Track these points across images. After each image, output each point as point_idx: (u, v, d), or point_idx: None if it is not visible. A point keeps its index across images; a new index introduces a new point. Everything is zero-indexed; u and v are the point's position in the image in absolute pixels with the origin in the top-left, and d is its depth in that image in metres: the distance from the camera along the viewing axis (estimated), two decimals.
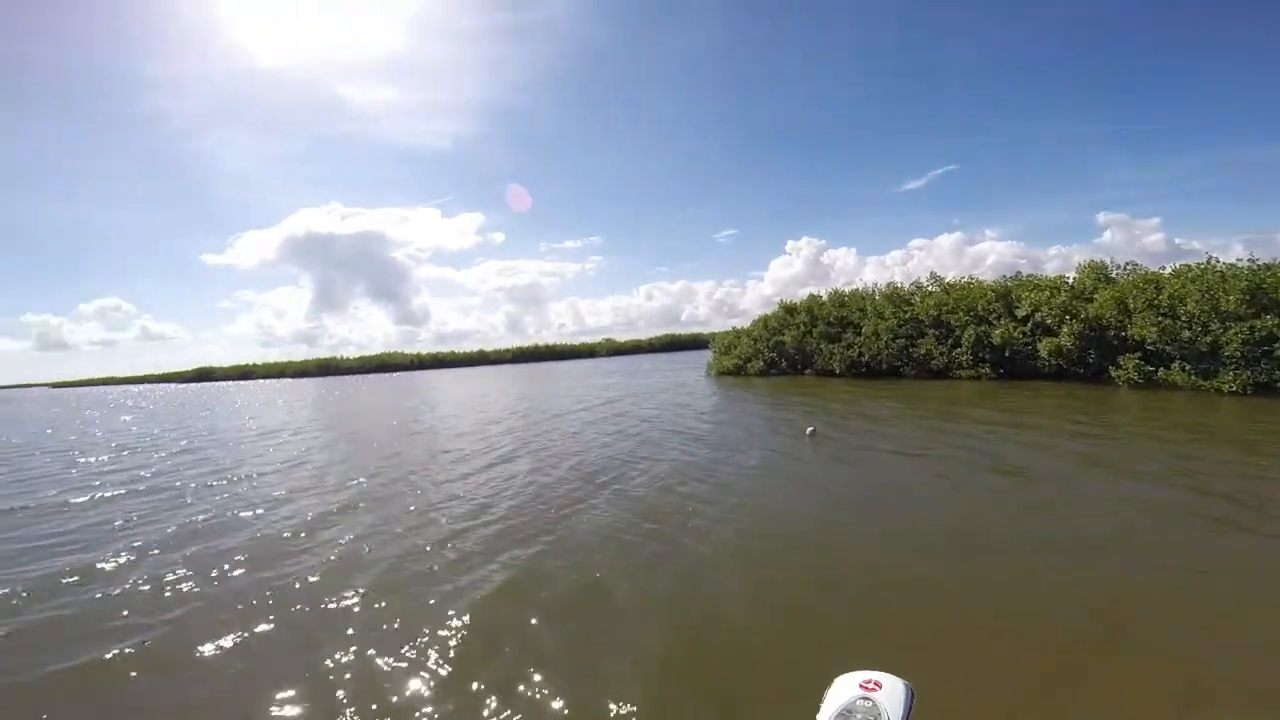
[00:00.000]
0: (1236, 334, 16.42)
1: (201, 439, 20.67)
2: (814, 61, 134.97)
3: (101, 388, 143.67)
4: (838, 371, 30.64)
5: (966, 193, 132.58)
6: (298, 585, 6.47)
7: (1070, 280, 24.11)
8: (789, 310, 36.81)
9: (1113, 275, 23.08)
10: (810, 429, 14.07)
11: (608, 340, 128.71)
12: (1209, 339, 17.31)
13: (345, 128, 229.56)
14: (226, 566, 7.18)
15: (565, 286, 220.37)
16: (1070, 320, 21.74)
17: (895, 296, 30.51)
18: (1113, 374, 20.19)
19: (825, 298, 35.70)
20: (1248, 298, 16.81)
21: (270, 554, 7.57)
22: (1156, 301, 19.26)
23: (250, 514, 9.67)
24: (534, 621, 5.36)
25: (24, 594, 6.65)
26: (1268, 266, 17.75)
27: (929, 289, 30.06)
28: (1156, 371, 19.06)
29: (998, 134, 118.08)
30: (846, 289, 35.36)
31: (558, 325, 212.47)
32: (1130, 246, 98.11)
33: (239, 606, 6.00)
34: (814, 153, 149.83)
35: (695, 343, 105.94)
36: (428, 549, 7.42)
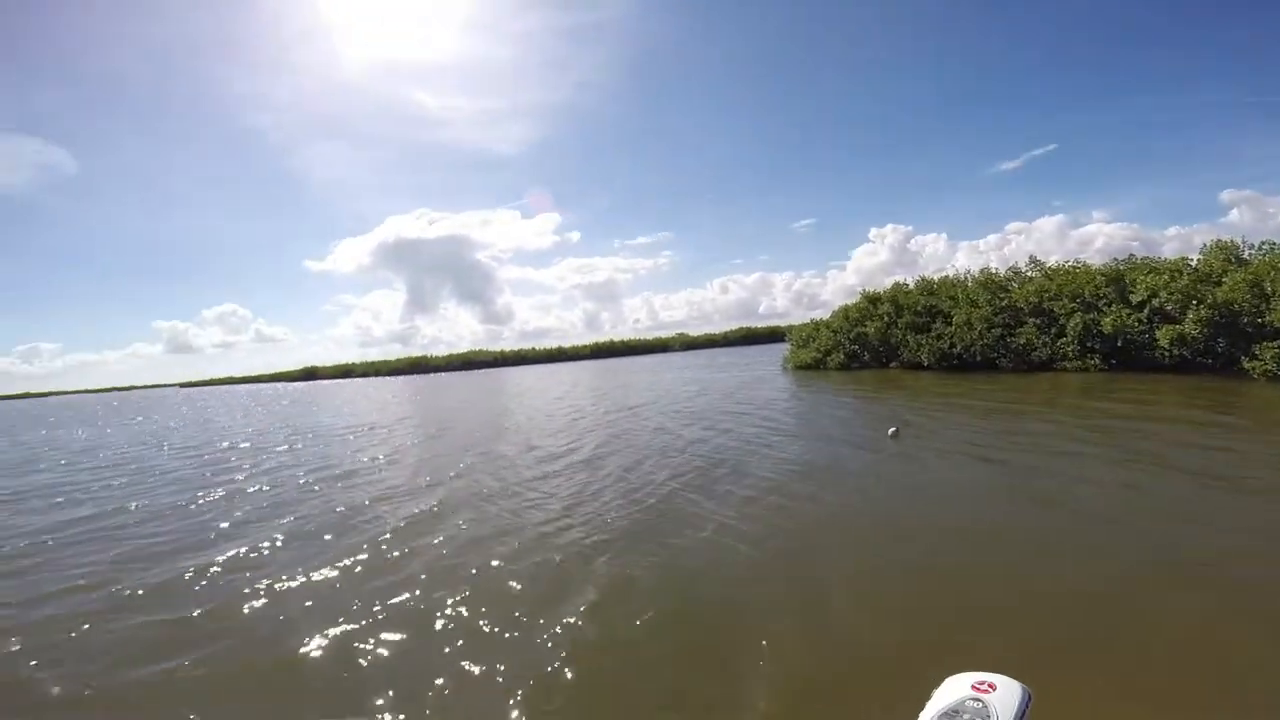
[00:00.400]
0: None
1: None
2: (893, 36, 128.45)
3: (223, 386, 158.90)
4: (926, 364, 29.31)
5: (1068, 173, 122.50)
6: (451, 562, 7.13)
7: (1194, 262, 21.90)
8: (872, 300, 35.51)
9: (1244, 256, 20.78)
10: (893, 429, 13.24)
11: (680, 335, 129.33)
12: None
13: (426, 135, 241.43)
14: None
15: (639, 282, 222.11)
16: (1196, 305, 19.78)
17: (990, 283, 28.77)
18: (1246, 365, 18.23)
19: (912, 286, 34.29)
20: None
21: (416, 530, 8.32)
22: None
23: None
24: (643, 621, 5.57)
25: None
26: None
27: (1028, 274, 28.17)
28: None
29: (1101, 110, 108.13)
30: (935, 276, 33.83)
31: (633, 321, 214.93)
32: (1262, 226, 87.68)
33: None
34: (896, 134, 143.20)
35: (771, 335, 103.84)
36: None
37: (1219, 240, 21.53)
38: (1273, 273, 17.97)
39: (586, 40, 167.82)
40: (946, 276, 32.84)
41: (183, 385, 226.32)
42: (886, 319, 33.15)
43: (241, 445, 20.95)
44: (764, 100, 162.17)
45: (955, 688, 1.46)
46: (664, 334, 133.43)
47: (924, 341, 29.62)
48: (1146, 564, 5.93)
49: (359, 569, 7.45)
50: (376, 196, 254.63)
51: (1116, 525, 7.02)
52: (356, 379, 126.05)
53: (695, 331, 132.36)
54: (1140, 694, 3.99)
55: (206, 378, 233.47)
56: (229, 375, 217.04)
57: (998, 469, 10.03)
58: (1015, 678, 1.44)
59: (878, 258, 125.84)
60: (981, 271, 30.22)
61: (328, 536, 8.91)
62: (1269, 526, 6.63)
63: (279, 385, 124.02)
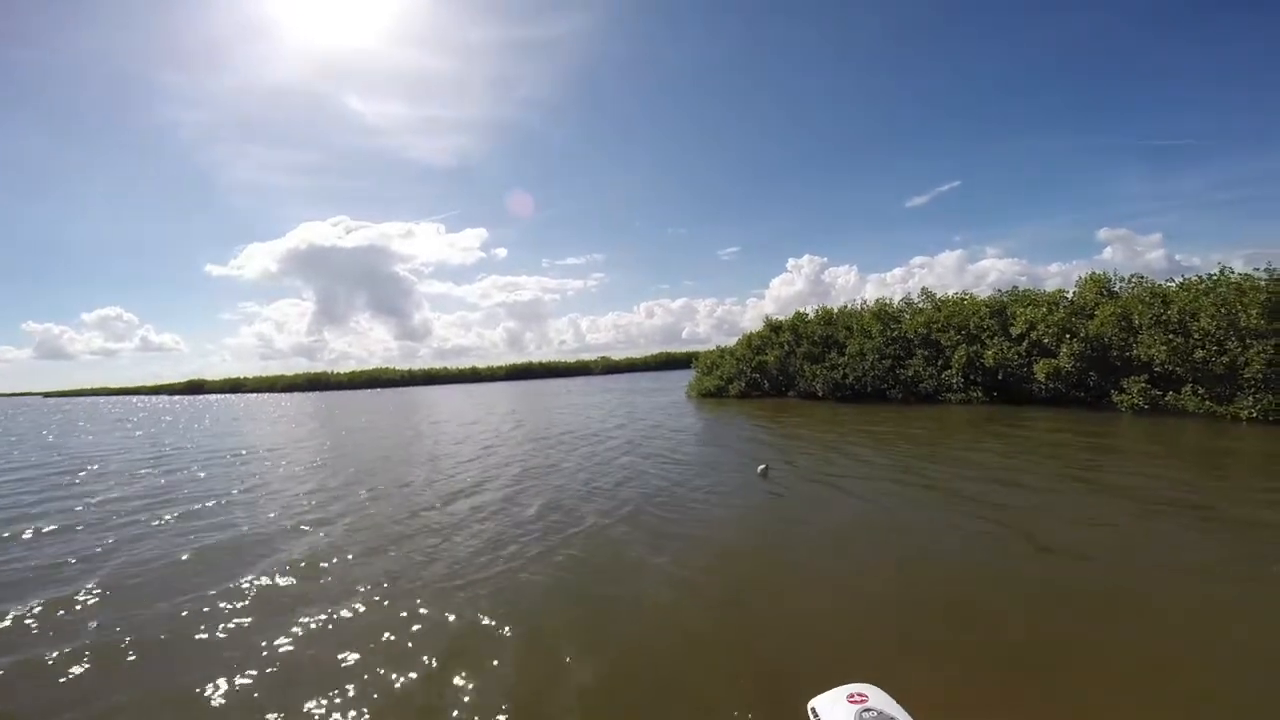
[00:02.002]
0: (1260, 353, 14.36)
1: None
2: (818, 79, 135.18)
3: (94, 398, 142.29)
4: (820, 394, 28.51)
5: (970, 209, 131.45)
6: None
7: (1070, 295, 22.14)
8: (773, 328, 34.89)
9: (1116, 289, 21.12)
10: (762, 467, 12.10)
11: (603, 358, 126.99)
12: (1225, 359, 15.25)
13: (354, 142, 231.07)
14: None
15: (567, 303, 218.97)
16: (1069, 339, 19.73)
17: (883, 314, 28.54)
18: (1115, 399, 18.09)
19: (812, 315, 33.89)
20: (1269, 312, 14.78)
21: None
22: (1165, 317, 17.25)
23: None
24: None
25: None
26: None
27: (920, 305, 28.12)
28: (1165, 395, 16.97)
29: (1001, 149, 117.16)
30: (835, 307, 33.58)
31: (558, 342, 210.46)
32: (1132, 263, 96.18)
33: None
34: (817, 170, 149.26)
35: (688, 361, 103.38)
36: None
37: (1093, 274, 21.87)
38: (1141, 306, 18.01)
39: (533, 57, 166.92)
40: (845, 307, 32.66)
41: (48, 395, 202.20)
42: (785, 347, 32.47)
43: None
44: (694, 133, 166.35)
45: (836, 710, 1.62)
46: (589, 356, 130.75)
47: (819, 371, 28.89)
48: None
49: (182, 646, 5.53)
50: (295, 202, 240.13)
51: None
52: (248, 394, 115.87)
53: (618, 355, 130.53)
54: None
55: (78, 387, 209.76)
56: (104, 385, 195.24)
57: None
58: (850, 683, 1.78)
59: (794, 287, 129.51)
60: (876, 302, 30.08)
61: (150, 592, 6.89)
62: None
63: (159, 399, 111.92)
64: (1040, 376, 20.41)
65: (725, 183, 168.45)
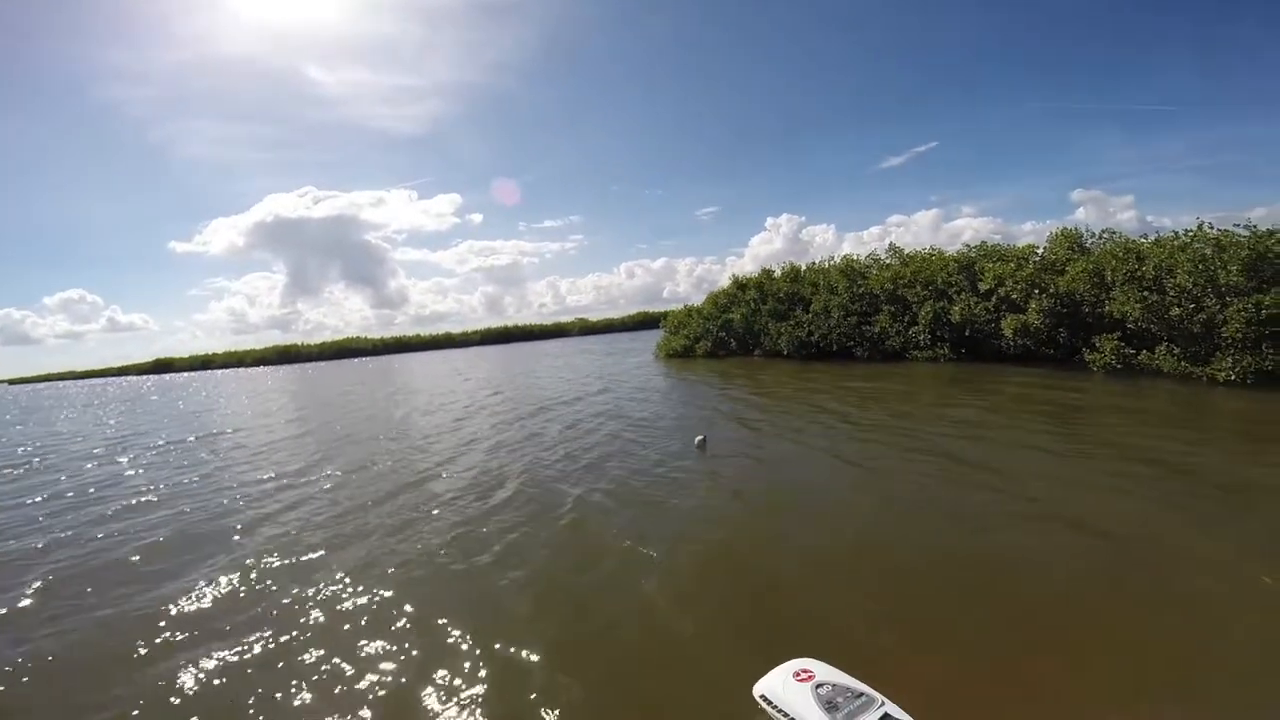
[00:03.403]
0: (1239, 311, 13.26)
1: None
2: (796, 40, 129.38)
3: (60, 383, 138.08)
4: (785, 353, 27.36)
5: (946, 170, 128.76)
6: None
7: (1040, 251, 20.86)
8: (740, 286, 33.44)
9: (1088, 246, 19.89)
10: (700, 438, 11.42)
11: (580, 320, 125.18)
12: (1202, 317, 14.17)
13: (317, 113, 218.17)
14: None
15: (545, 266, 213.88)
16: (1039, 295, 18.56)
17: (850, 270, 27.14)
18: (1086, 357, 17.07)
19: (779, 272, 32.38)
20: (1249, 268, 13.62)
21: None
22: (1139, 273, 16.07)
23: None
24: None
25: None
26: (1272, 233, 14.41)
27: (887, 261, 26.74)
28: (1139, 354, 15.96)
29: (978, 111, 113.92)
30: (804, 265, 32.05)
31: (538, 305, 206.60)
32: (1103, 224, 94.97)
33: None
34: (795, 129, 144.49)
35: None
36: None
37: (1064, 229, 20.58)
38: (1114, 262, 16.79)
39: (502, 21, 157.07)
40: (812, 264, 31.16)
41: (12, 382, 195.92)
42: (752, 305, 31.11)
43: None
44: (671, 92, 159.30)
45: (788, 690, 1.56)
46: (567, 318, 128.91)
47: (784, 329, 27.64)
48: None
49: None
50: (258, 175, 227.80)
51: None
52: (217, 370, 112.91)
53: (595, 316, 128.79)
54: None
55: (42, 372, 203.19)
56: (69, 370, 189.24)
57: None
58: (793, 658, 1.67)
59: (773, 246, 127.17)
60: (843, 258, 28.63)
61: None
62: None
63: (125, 380, 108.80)
64: (1008, 333, 19.31)
65: (703, 143, 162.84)
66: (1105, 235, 19.53)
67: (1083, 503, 7.03)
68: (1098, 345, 16.71)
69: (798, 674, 1.60)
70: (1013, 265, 19.99)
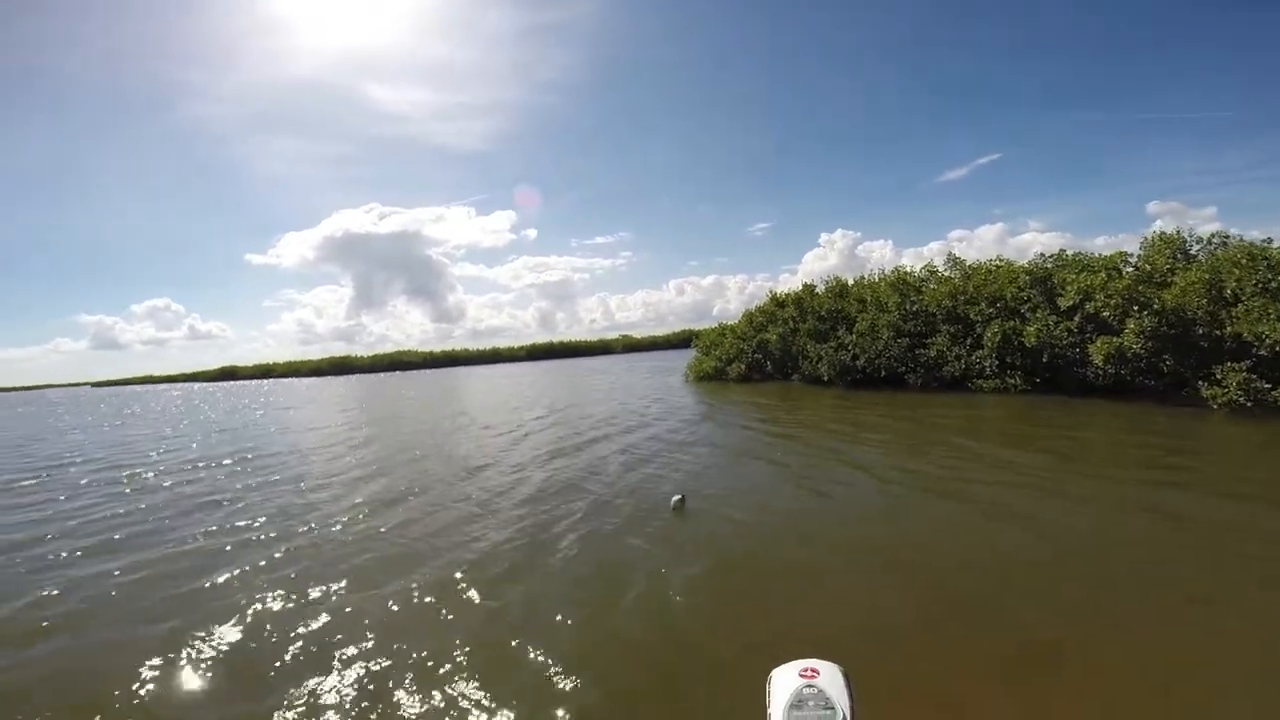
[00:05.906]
0: None
1: None
2: (851, 52, 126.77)
3: (141, 386, 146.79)
4: (826, 379, 24.24)
5: (1010, 183, 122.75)
6: None
7: (1133, 259, 17.32)
8: (779, 303, 30.53)
9: (1193, 252, 16.31)
10: (677, 497, 8.83)
11: (624, 336, 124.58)
12: None
13: (381, 130, 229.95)
14: None
15: (596, 282, 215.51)
16: (1138, 312, 15.12)
17: (902, 283, 23.90)
18: (1204, 391, 13.53)
19: (823, 288, 29.22)
20: None
21: None
22: (1273, 285, 12.58)
23: None
24: None
25: None
26: None
27: (945, 273, 23.41)
28: (1274, 389, 12.41)
29: (1044, 122, 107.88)
30: (853, 279, 28.75)
31: (589, 321, 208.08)
32: (1187, 238, 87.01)
33: None
34: (851, 143, 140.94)
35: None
36: None
37: (1162, 232, 17.02)
38: (1238, 271, 13.33)
39: (553, 40, 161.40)
40: (861, 278, 27.91)
41: (98, 385, 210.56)
42: (790, 324, 28.16)
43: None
44: (725, 105, 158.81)
45: (786, 680, 1.26)
46: (613, 335, 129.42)
47: (824, 352, 24.56)
48: None
49: None
50: (325, 190, 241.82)
51: None
52: (276, 379, 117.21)
53: (639, 334, 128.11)
54: None
55: (127, 376, 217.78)
56: (149, 374, 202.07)
57: None
58: (827, 659, 1.26)
59: (827, 262, 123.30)
60: (894, 270, 25.35)
61: None
62: None
63: (194, 385, 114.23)
64: (1097, 359, 15.85)
65: (754, 160, 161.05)
66: (1216, 239, 15.97)
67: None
68: (1220, 377, 13.20)
69: (804, 670, 1.25)
70: (1102, 276, 16.55)
